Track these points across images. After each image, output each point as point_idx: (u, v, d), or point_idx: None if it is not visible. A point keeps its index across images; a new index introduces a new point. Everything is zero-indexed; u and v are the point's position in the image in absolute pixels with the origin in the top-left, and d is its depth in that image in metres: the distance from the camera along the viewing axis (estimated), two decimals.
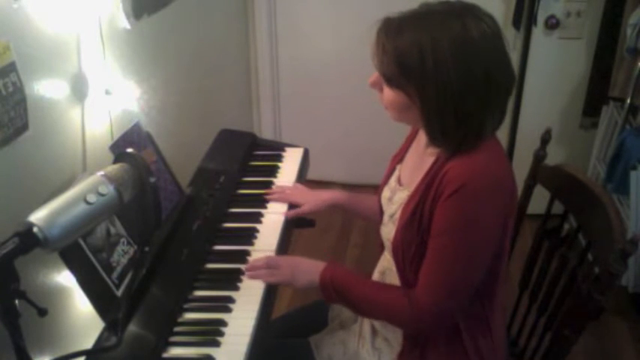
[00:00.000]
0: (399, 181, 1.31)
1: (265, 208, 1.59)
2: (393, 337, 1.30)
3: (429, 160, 1.19)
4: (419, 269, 1.17)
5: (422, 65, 1.06)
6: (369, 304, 1.24)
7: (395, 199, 1.28)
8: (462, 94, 1.06)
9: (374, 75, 1.17)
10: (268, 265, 1.33)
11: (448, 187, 1.09)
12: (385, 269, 1.36)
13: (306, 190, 1.62)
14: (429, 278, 1.16)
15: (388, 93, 1.14)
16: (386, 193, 1.34)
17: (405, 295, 1.18)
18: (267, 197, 1.60)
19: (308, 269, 1.30)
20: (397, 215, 1.24)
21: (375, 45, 1.12)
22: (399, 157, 1.36)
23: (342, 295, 1.26)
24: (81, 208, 0.89)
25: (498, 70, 1.09)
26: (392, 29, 1.09)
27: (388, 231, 1.28)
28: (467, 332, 1.23)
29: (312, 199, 1.56)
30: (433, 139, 1.14)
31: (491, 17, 1.11)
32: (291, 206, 1.58)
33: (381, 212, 1.35)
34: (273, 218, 1.54)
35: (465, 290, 1.16)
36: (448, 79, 1.05)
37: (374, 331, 1.34)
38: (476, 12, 1.09)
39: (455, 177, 1.09)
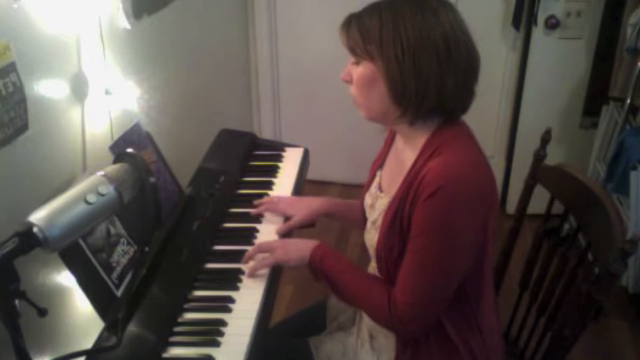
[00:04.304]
0: (379, 188, 1.32)
1: None
2: (386, 343, 1.30)
3: (408, 164, 1.19)
4: None
5: (381, 24, 1.12)
6: (351, 293, 1.25)
7: (376, 205, 1.29)
8: (419, 48, 1.10)
9: (344, 69, 1.21)
10: (260, 250, 1.34)
11: (426, 190, 1.10)
12: None
13: (296, 199, 1.57)
14: (405, 279, 1.16)
15: (355, 71, 1.18)
16: (368, 199, 1.35)
17: (386, 292, 1.19)
18: (257, 210, 1.54)
19: (300, 246, 1.31)
20: (379, 222, 1.24)
21: (342, 26, 1.19)
22: (378, 163, 1.37)
23: (328, 277, 1.26)
24: (81, 208, 0.89)
25: (459, 41, 1.12)
26: (357, 12, 1.18)
27: (371, 237, 1.28)
28: (457, 335, 1.23)
29: (302, 209, 1.52)
30: (395, 99, 1.15)
31: (449, 3, 1.16)
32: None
33: (365, 218, 1.36)
34: (273, 219, 1.54)
35: (441, 293, 1.16)
36: (406, 34, 1.10)
37: (372, 334, 1.34)
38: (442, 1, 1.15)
39: (433, 179, 1.09)
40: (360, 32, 1.14)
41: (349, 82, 1.21)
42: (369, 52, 1.14)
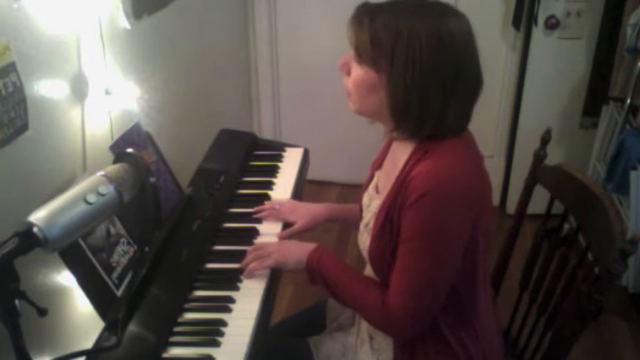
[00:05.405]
0: (376, 188, 1.31)
1: None
2: (386, 343, 1.30)
3: (400, 166, 1.19)
4: None
5: (396, 39, 1.07)
6: (346, 295, 1.26)
7: (371, 206, 1.29)
8: (429, 76, 1.08)
9: (344, 57, 1.18)
10: (257, 254, 1.34)
11: (412, 194, 1.09)
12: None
13: (297, 205, 1.56)
14: (397, 283, 1.16)
15: (356, 71, 1.15)
16: (365, 199, 1.35)
17: (380, 296, 1.19)
18: (258, 215, 1.53)
19: (297, 250, 1.31)
20: (371, 224, 1.24)
21: (353, 19, 1.13)
22: (377, 164, 1.36)
23: (324, 279, 1.26)
24: (81, 208, 0.89)
25: (468, 68, 1.11)
26: (372, 8, 1.12)
27: (363, 240, 1.28)
28: (453, 336, 1.23)
29: (304, 215, 1.51)
30: (395, 118, 1.14)
31: (465, 17, 1.13)
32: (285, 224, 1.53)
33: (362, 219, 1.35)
34: (273, 219, 1.54)
35: (431, 294, 1.16)
36: (420, 58, 1.07)
37: (371, 334, 1.34)
38: (454, 10, 1.12)
39: (419, 183, 1.09)
40: (370, 38, 1.09)
41: (347, 73, 1.18)
42: (377, 62, 1.10)
